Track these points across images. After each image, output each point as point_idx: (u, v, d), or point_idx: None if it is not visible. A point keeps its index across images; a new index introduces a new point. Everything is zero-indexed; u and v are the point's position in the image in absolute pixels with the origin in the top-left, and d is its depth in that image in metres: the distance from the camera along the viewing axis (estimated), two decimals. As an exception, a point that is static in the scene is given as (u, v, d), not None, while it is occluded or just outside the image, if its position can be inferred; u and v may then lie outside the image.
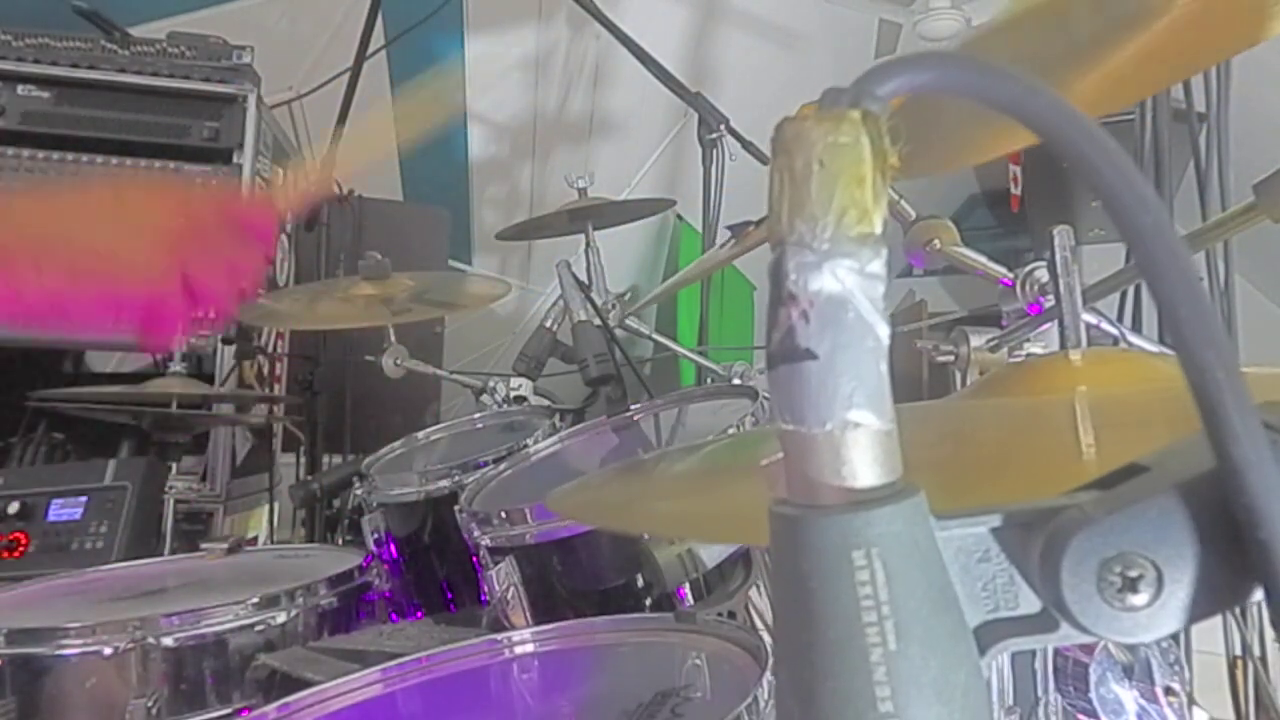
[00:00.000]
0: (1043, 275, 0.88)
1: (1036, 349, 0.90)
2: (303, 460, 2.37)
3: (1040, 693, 0.78)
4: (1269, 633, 1.46)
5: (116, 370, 2.54)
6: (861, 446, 0.26)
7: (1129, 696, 0.74)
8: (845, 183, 0.26)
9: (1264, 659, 1.52)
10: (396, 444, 1.68)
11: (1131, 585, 0.26)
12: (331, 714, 0.91)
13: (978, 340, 1.02)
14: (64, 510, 1.72)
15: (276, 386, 2.49)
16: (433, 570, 1.43)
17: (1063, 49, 0.69)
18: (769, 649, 0.81)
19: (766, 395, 1.20)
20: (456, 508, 1.25)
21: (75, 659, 1.12)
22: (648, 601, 1.08)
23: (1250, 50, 0.65)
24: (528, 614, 1.12)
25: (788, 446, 0.27)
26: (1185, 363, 0.26)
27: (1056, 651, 0.77)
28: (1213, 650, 1.55)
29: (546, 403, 2.24)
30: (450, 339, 2.90)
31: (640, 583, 1.08)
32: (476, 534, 1.18)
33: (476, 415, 1.74)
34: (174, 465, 2.04)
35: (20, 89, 2.09)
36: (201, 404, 2.14)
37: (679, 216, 3.31)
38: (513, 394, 1.92)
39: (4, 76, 2.08)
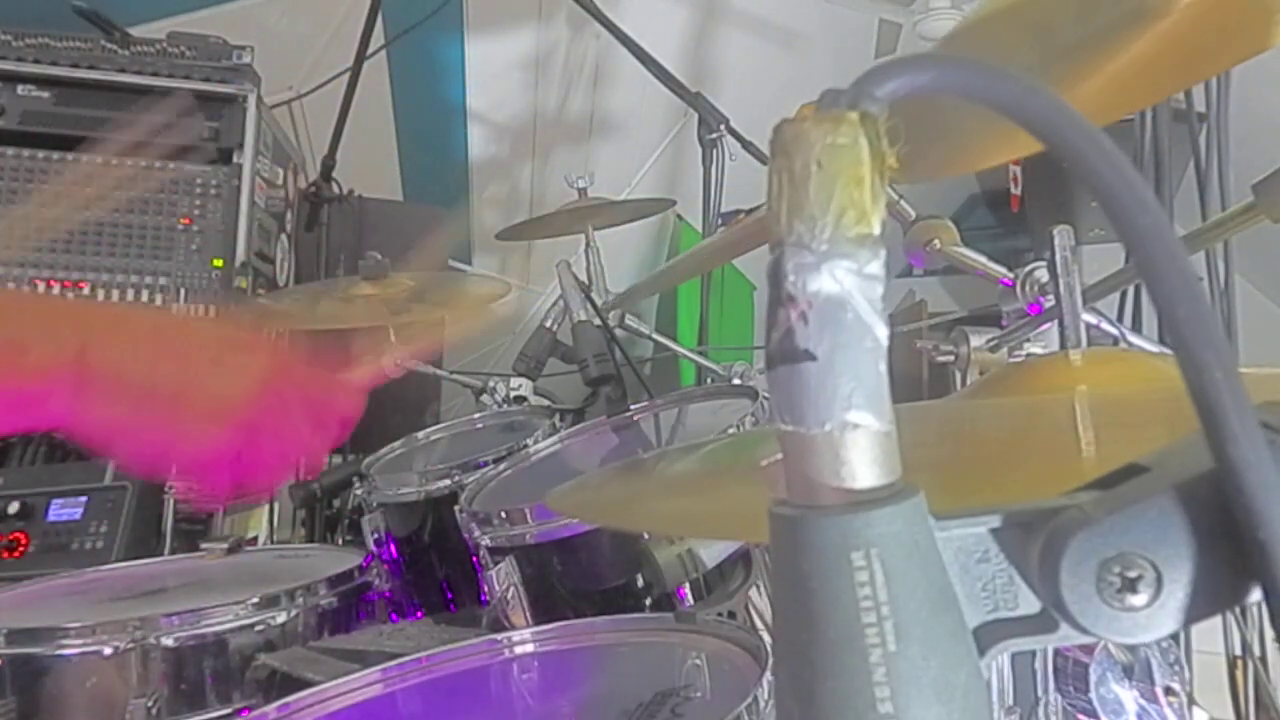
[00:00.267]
0: (1043, 275, 0.87)
1: (1036, 349, 0.90)
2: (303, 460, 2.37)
3: (1040, 693, 0.78)
4: (1269, 633, 1.46)
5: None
6: (860, 447, 0.26)
7: (1129, 696, 0.74)
8: (844, 184, 0.26)
9: (1264, 659, 1.52)
10: (396, 444, 1.68)
11: (1131, 585, 0.26)
12: (331, 714, 0.91)
13: (978, 340, 1.02)
14: (64, 510, 1.72)
15: (276, 386, 2.49)
16: (433, 570, 1.43)
17: (1054, 51, 0.69)
18: (769, 649, 0.81)
19: (766, 395, 1.20)
20: (456, 508, 1.25)
21: (75, 659, 1.12)
22: (648, 601, 1.08)
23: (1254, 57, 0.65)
24: (528, 614, 1.12)
25: (787, 447, 0.27)
26: (1183, 363, 0.26)
27: (1056, 652, 0.77)
28: (1213, 650, 1.55)
29: (546, 403, 2.25)
30: (450, 339, 2.90)
31: (640, 583, 1.09)
32: (476, 534, 1.18)
33: (476, 415, 1.75)
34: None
35: (20, 89, 2.09)
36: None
37: (679, 216, 3.31)
38: (513, 394, 1.92)
39: (4, 76, 2.07)
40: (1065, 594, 0.26)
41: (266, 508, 2.32)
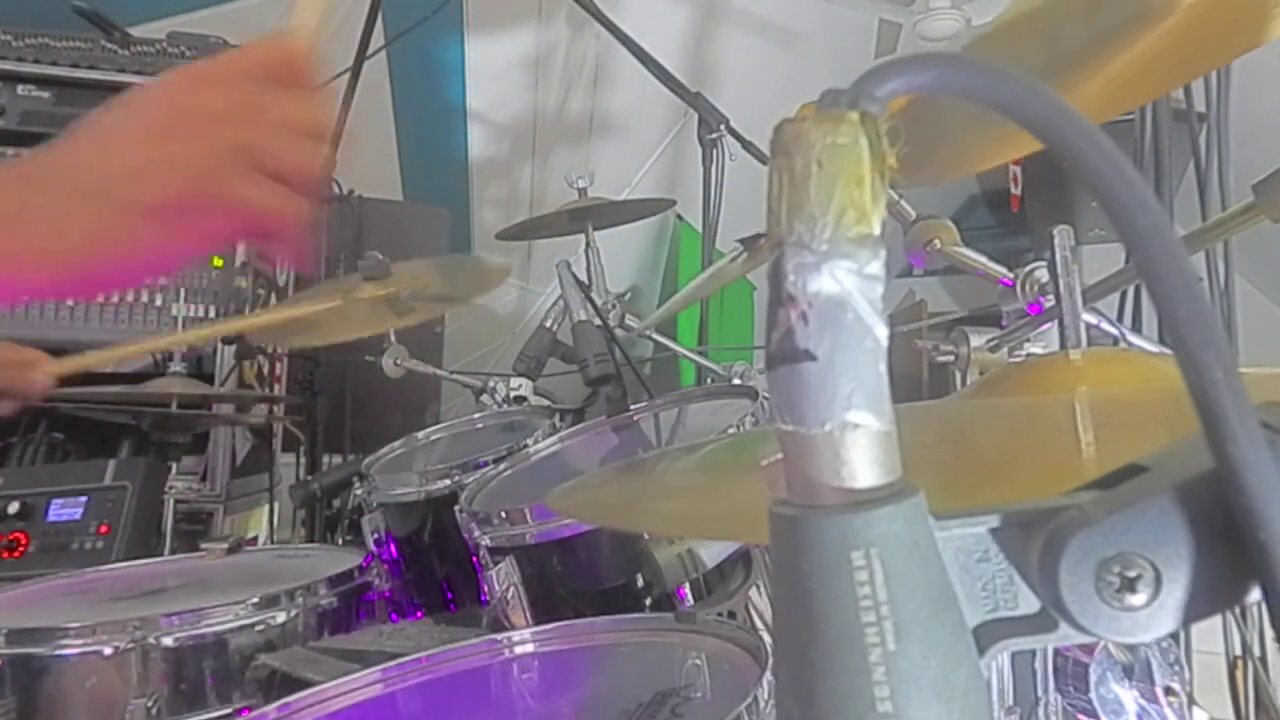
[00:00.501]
0: (1043, 275, 0.88)
1: (1036, 349, 0.90)
2: (303, 460, 2.37)
3: (1040, 693, 0.78)
4: (1269, 633, 1.46)
5: (116, 370, 2.55)
6: (861, 447, 0.26)
7: (1129, 696, 0.74)
8: (844, 184, 0.26)
9: (1264, 659, 1.52)
10: (396, 444, 1.68)
11: (1130, 585, 0.26)
12: (331, 714, 0.91)
13: (978, 340, 1.02)
14: (64, 510, 1.72)
15: (276, 386, 2.49)
16: (433, 570, 1.43)
17: (1062, 54, 0.69)
18: (769, 649, 0.81)
19: (766, 395, 1.20)
20: (456, 508, 1.25)
21: (75, 659, 1.12)
22: (648, 601, 1.08)
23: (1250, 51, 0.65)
24: (528, 614, 1.12)
25: (787, 447, 0.27)
26: (1183, 363, 0.26)
27: (1056, 651, 0.77)
28: (1213, 650, 1.55)
29: (546, 403, 2.25)
30: (450, 339, 2.91)
31: (640, 583, 1.09)
32: (476, 534, 1.18)
33: (476, 415, 1.74)
34: (174, 465, 2.05)
35: (20, 89, 2.09)
36: (201, 404, 2.14)
37: (679, 216, 3.31)
38: (513, 394, 1.92)
39: (4, 76, 2.08)
40: (1065, 593, 0.26)
41: (266, 508, 2.32)
